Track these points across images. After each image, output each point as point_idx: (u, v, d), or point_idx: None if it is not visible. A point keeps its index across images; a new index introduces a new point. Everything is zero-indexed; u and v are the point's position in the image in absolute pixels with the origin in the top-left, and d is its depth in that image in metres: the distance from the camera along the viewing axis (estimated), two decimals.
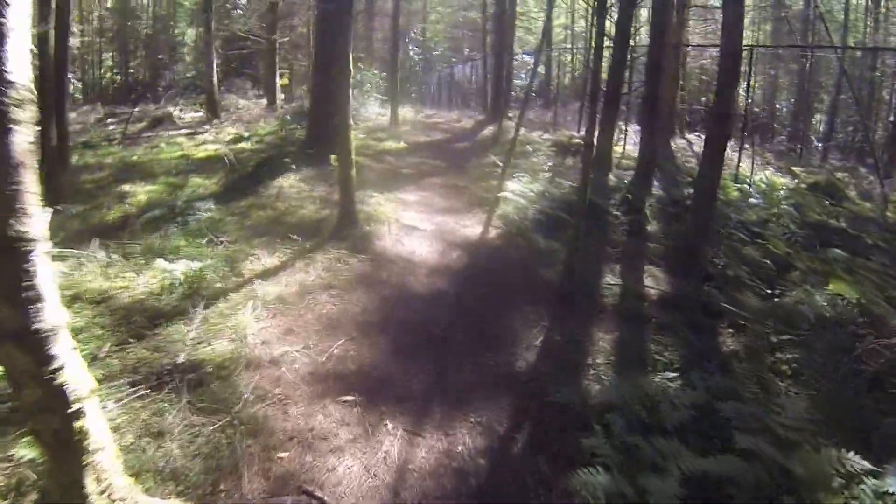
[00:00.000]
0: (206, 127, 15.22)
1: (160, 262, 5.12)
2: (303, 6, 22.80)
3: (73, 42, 18.27)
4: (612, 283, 5.53)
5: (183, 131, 15.00)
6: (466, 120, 17.71)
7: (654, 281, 5.66)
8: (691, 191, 8.15)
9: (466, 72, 24.38)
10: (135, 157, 10.98)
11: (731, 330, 4.73)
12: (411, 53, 28.75)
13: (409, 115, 17.89)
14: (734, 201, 9.63)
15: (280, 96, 20.02)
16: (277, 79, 20.46)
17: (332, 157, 8.24)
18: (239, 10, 25.22)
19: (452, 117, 18.65)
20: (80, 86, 23.70)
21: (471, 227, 7.01)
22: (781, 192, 9.93)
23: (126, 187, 8.49)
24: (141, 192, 8.25)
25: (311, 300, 4.81)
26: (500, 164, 10.25)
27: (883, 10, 19.86)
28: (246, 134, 13.34)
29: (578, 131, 12.26)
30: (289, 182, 8.57)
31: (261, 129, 13.69)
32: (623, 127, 14.63)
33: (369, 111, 15.89)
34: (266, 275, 5.37)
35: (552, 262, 5.87)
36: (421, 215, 7.35)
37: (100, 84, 24.90)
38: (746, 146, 12.55)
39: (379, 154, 11.03)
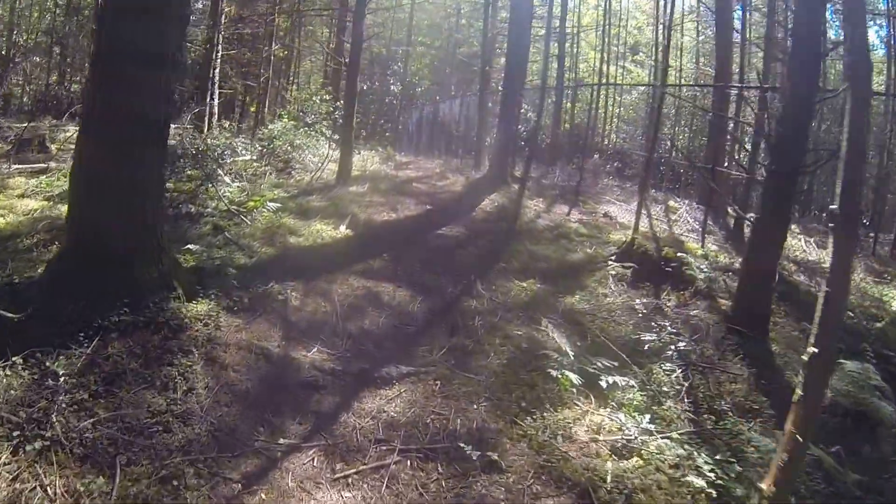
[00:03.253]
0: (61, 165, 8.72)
1: None
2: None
3: None
4: None
5: (38, 166, 8.53)
6: (454, 175, 11.54)
7: None
8: None
9: (454, 111, 18.52)
10: None
11: None
12: (392, 88, 22.85)
13: (373, 164, 11.66)
14: None
15: (222, 123, 13.48)
16: (214, 98, 14.08)
17: None
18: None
19: (434, 170, 12.49)
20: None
21: None
22: None
23: None
24: None
25: None
26: (553, 331, 4.10)
27: None
28: None
29: (641, 214, 6.47)
30: None
31: None
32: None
33: (307, 156, 9.65)
34: None
35: None
36: None
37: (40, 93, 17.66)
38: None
39: (286, 260, 4.77)
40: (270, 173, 8.74)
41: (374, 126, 21.05)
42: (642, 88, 20.08)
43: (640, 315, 4.68)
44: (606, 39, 17.42)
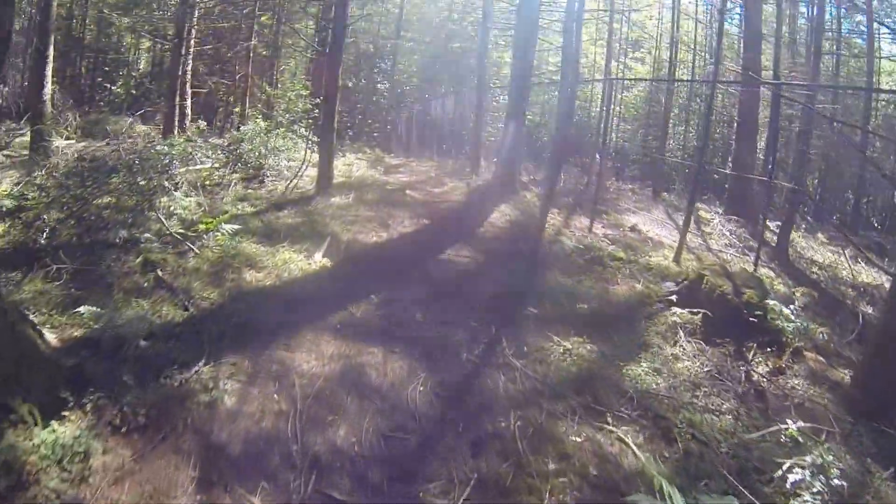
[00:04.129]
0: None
1: None
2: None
3: None
4: None
5: None
6: (452, 180, 10.07)
7: None
8: None
9: (447, 109, 17.08)
10: None
11: None
12: (379, 86, 21.19)
13: (360, 168, 10.15)
14: None
15: (195, 125, 11.82)
16: (186, 99, 12.50)
17: None
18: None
19: (429, 173, 11.03)
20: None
21: None
22: None
23: None
24: None
25: None
26: (628, 436, 2.64)
27: None
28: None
29: (684, 228, 5.01)
30: None
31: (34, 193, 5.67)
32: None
33: (283, 161, 8.10)
34: None
35: None
36: None
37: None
38: None
39: (233, 312, 3.28)
40: (236, 183, 7.22)
41: (362, 126, 19.49)
42: (642, 86, 18.81)
43: (735, 396, 3.28)
44: (611, 31, 16.05)
